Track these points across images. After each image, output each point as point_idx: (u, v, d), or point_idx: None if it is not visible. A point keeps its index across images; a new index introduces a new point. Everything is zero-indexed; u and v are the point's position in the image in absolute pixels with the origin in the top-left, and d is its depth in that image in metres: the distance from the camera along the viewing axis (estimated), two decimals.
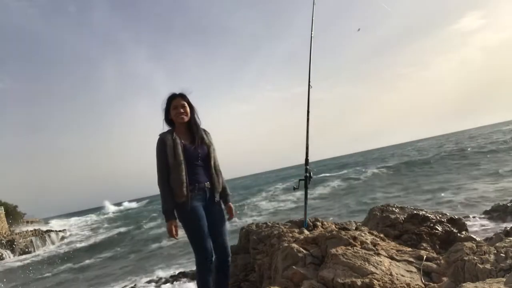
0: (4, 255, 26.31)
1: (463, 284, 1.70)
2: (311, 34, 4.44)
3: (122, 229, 30.08)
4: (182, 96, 2.52)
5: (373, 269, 2.41)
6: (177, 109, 2.47)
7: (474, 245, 2.25)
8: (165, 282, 8.58)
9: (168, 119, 2.54)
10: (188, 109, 2.52)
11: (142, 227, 27.76)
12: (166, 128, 2.56)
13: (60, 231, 35.33)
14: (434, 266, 2.61)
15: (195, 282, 2.62)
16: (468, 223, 7.36)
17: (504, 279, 1.64)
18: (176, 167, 2.35)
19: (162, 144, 2.39)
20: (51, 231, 34.88)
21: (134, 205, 68.95)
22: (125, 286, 9.96)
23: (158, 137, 2.44)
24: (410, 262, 2.68)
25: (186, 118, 2.50)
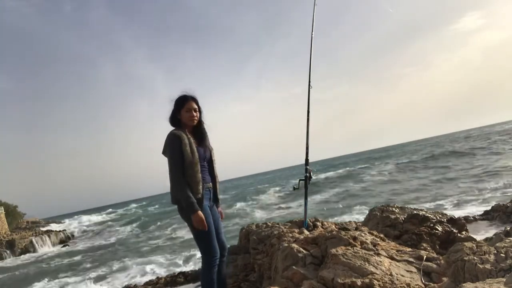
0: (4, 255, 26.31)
1: (463, 284, 1.70)
2: (312, 34, 4.44)
3: (121, 230, 30.07)
4: (195, 100, 2.59)
5: (373, 269, 2.41)
6: (190, 112, 2.55)
7: (474, 245, 2.24)
8: (165, 283, 8.56)
9: (176, 119, 2.57)
10: (198, 113, 2.59)
11: (140, 228, 27.78)
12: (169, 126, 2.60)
13: (60, 231, 35.32)
14: (434, 266, 2.61)
15: (200, 281, 2.64)
16: (468, 223, 7.36)
17: (504, 279, 1.64)
18: (193, 165, 2.41)
19: (179, 140, 2.41)
20: (51, 231, 34.89)
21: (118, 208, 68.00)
22: (124, 286, 9.95)
23: (173, 133, 2.46)
24: (410, 262, 2.68)
25: (196, 122, 2.59)
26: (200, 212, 2.36)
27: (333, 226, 4.24)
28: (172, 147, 2.41)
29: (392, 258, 2.72)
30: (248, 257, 5.31)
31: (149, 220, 31.98)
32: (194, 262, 11.55)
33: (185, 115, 2.54)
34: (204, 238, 2.46)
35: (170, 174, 2.43)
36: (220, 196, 2.79)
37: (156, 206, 52.33)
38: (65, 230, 36.49)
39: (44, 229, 37.85)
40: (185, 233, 18.84)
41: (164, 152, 2.54)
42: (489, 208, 8.71)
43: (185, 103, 2.55)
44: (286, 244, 3.17)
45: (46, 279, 14.52)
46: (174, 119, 2.58)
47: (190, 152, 2.41)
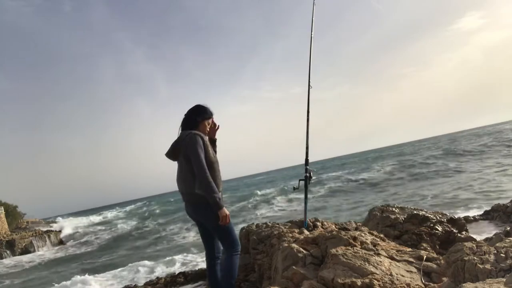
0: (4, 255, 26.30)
1: (463, 285, 1.70)
2: (311, 34, 4.44)
3: (122, 230, 30.08)
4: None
5: (373, 269, 2.41)
6: (209, 126, 2.82)
7: (474, 245, 2.24)
8: (165, 283, 8.56)
9: (195, 124, 2.74)
10: None
11: (140, 228, 27.79)
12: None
13: (59, 231, 35.32)
14: (434, 266, 2.61)
15: (223, 273, 2.70)
16: (468, 223, 7.36)
17: (504, 279, 1.64)
18: (214, 164, 2.64)
19: (203, 141, 2.60)
20: (51, 231, 34.88)
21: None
22: (125, 286, 9.95)
23: (197, 133, 2.62)
24: (410, 262, 2.68)
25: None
26: (225, 209, 2.54)
27: (333, 226, 4.24)
28: (200, 147, 2.56)
29: (392, 258, 2.72)
30: (248, 257, 5.31)
31: (149, 220, 32.00)
32: (194, 262, 11.55)
33: (205, 126, 2.77)
34: (230, 230, 2.65)
35: (197, 171, 2.50)
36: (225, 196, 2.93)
37: (157, 206, 52.31)
38: (61, 230, 36.35)
39: (44, 229, 37.84)
40: (185, 234, 18.87)
41: (176, 153, 2.66)
42: (489, 208, 8.72)
43: (209, 118, 2.81)
44: (286, 244, 3.17)
45: (46, 282, 14.51)
46: (194, 123, 2.73)
47: (212, 153, 2.64)
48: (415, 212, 5.55)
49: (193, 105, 2.81)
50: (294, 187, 3.92)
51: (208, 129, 2.80)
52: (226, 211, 2.52)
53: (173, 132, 2.82)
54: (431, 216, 5.40)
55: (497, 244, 2.15)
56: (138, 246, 19.45)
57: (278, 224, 5.34)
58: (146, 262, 13.32)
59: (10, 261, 24.82)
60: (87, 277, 12.10)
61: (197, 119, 2.74)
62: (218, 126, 2.90)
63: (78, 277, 11.93)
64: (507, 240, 2.18)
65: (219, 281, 2.71)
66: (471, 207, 10.91)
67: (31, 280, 15.46)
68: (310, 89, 4.15)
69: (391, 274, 2.39)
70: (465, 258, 2.09)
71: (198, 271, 8.64)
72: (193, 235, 17.47)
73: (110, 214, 53.73)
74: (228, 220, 2.54)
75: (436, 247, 4.78)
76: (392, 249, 2.97)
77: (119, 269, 13.22)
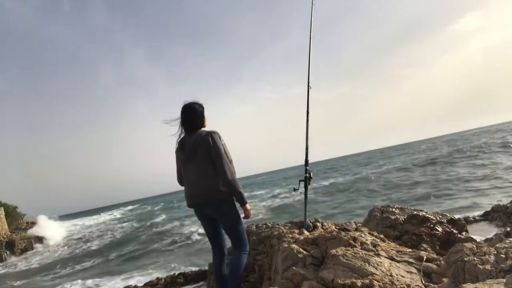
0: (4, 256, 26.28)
1: (463, 285, 1.70)
2: (310, 34, 4.44)
3: (124, 230, 30.06)
4: None
5: (373, 270, 2.41)
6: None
7: (474, 246, 2.24)
8: (165, 284, 8.54)
9: (203, 123, 2.84)
10: None
11: (143, 228, 27.78)
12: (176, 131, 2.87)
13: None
14: (434, 267, 2.61)
15: (231, 271, 2.82)
16: (468, 224, 7.36)
17: (504, 280, 1.64)
18: (231, 162, 2.72)
19: (221, 139, 2.71)
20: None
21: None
22: (124, 287, 9.94)
23: (216, 132, 2.72)
24: (410, 263, 2.68)
25: None
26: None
27: (333, 226, 4.24)
28: (221, 145, 2.67)
29: (392, 259, 2.72)
30: (248, 258, 5.29)
31: (149, 220, 31.98)
32: (193, 262, 11.54)
33: (205, 120, 2.86)
34: (243, 230, 2.81)
35: (223, 169, 2.59)
36: None
37: (159, 207, 52.30)
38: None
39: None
40: (186, 234, 18.86)
41: (194, 151, 2.67)
42: (489, 208, 8.71)
43: (204, 110, 2.88)
44: (286, 245, 3.17)
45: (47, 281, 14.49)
46: (200, 122, 2.80)
47: (227, 150, 2.71)
48: (415, 212, 5.55)
49: (185, 106, 2.80)
50: (294, 188, 3.91)
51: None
52: (249, 206, 2.70)
53: (173, 131, 2.86)
54: (431, 216, 5.39)
55: (497, 245, 2.15)
56: (137, 246, 19.41)
57: (278, 224, 5.33)
58: (146, 263, 13.29)
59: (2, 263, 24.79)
60: None
61: (200, 118, 2.80)
62: None
63: None
64: (507, 241, 2.18)
65: (226, 277, 2.84)
66: (471, 208, 10.91)
67: None
68: (310, 90, 4.15)
69: (391, 275, 2.39)
70: (465, 259, 2.08)
71: (198, 272, 8.62)
72: (192, 235, 17.47)
73: (109, 216, 53.68)
74: (250, 214, 2.71)
75: (436, 247, 4.77)
76: (392, 249, 2.97)
77: (118, 269, 13.19)
